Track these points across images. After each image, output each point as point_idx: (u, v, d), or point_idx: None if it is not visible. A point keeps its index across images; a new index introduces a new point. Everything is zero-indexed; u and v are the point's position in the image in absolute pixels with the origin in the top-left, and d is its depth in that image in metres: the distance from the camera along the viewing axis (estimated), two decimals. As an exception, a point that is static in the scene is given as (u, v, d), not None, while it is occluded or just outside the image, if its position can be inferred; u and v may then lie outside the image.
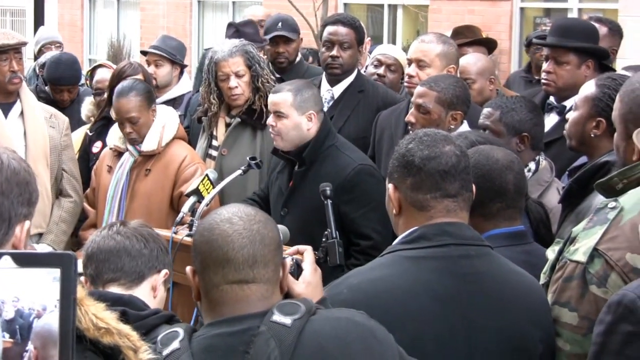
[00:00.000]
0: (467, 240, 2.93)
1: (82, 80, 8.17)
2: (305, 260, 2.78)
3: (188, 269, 2.59)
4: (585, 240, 2.94)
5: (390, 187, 3.02)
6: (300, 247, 2.83)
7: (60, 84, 7.57)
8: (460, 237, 2.92)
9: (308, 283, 2.71)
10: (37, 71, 8.25)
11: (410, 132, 5.04)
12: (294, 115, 5.01)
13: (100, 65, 7.44)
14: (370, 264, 3.01)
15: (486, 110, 4.61)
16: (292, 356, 2.38)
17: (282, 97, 5.04)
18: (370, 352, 2.47)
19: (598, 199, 3.57)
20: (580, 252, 2.93)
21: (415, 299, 2.83)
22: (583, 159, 4.26)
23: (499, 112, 4.52)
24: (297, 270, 2.73)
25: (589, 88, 4.05)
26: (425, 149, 2.96)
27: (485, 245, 2.98)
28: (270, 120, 5.08)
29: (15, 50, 5.83)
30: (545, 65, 5.37)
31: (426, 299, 2.84)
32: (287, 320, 2.42)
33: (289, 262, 2.67)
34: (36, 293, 1.76)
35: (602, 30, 6.27)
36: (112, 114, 6.28)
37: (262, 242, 2.51)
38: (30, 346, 1.76)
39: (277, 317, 2.43)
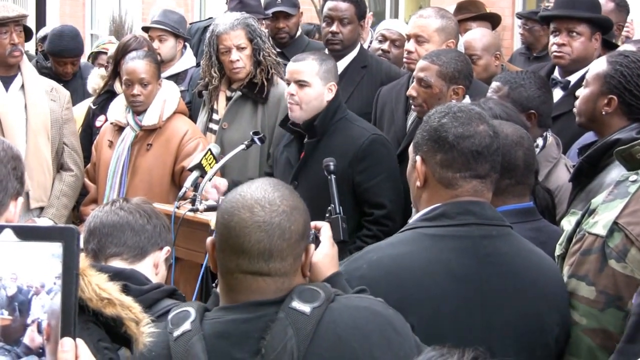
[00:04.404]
0: (490, 220, 2.89)
1: (86, 60, 8.16)
2: (322, 235, 2.73)
3: (209, 240, 2.52)
4: (605, 213, 2.91)
5: (418, 159, 2.95)
6: (318, 224, 2.76)
7: (63, 55, 7.58)
8: (482, 216, 2.88)
9: (325, 254, 2.68)
10: (37, 46, 8.19)
11: (412, 106, 5.02)
12: (318, 85, 4.98)
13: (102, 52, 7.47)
14: (390, 239, 2.97)
15: (495, 84, 4.54)
16: (309, 346, 2.33)
17: (307, 65, 5.00)
18: (389, 343, 2.42)
19: (609, 177, 3.54)
20: (599, 225, 2.90)
21: (434, 277, 2.80)
22: (590, 136, 4.21)
23: (507, 87, 4.45)
24: (315, 242, 2.69)
25: (600, 65, 3.98)
26: (459, 127, 2.89)
27: (506, 225, 2.94)
28: (292, 89, 5.01)
29: (15, 23, 5.81)
30: (554, 39, 5.29)
31: (445, 278, 2.81)
32: (306, 308, 2.36)
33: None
34: (35, 270, 1.74)
35: (609, 5, 6.23)
36: (116, 87, 6.26)
37: (282, 237, 2.41)
38: (32, 320, 1.74)
39: (297, 303, 2.37)
